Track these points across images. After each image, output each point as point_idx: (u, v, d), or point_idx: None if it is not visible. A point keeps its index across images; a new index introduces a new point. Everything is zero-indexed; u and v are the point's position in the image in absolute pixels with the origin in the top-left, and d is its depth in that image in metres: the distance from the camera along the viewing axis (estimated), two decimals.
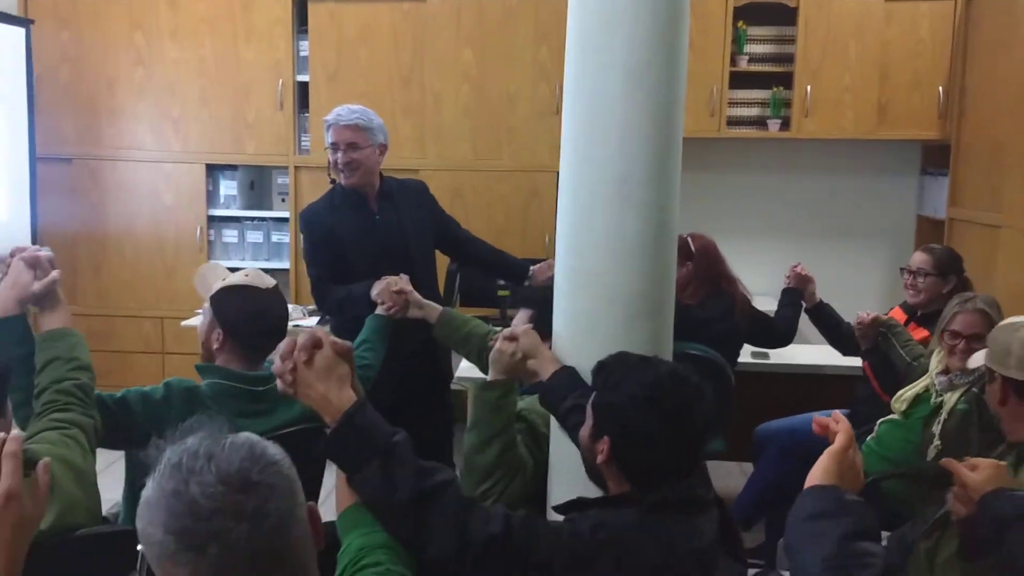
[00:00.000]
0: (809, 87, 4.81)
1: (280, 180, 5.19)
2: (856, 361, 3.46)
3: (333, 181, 3.21)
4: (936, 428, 2.76)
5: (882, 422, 2.95)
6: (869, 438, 2.96)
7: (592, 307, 1.97)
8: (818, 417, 1.48)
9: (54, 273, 2.10)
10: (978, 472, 1.67)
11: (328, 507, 1.56)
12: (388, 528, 1.35)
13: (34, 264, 2.08)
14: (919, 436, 2.81)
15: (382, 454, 1.37)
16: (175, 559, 0.97)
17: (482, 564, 1.33)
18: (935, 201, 5.04)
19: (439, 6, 4.89)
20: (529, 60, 4.88)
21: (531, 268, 3.33)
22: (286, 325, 2.38)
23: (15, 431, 1.33)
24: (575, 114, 1.97)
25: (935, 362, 2.86)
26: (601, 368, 1.64)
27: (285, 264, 5.15)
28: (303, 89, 5.07)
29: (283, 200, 5.19)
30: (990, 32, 4.43)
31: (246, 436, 1.06)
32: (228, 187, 5.21)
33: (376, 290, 2.77)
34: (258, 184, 5.30)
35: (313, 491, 2.46)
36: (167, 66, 5.04)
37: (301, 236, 3.26)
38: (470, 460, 2.07)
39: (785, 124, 4.90)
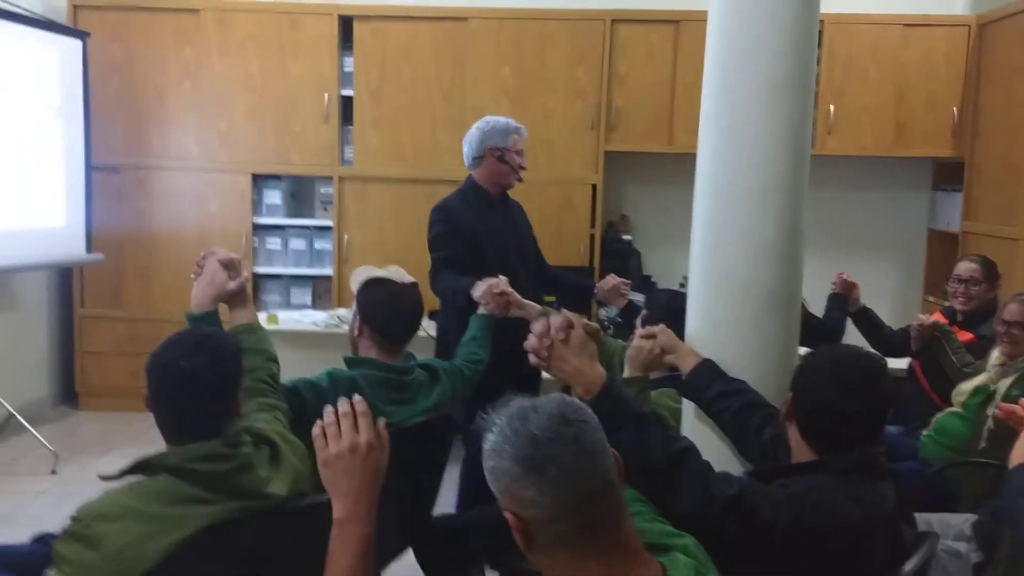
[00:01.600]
0: (832, 107, 5.10)
1: (323, 190, 5.35)
2: (898, 363, 3.71)
3: (519, 180, 3.52)
4: (989, 412, 3.01)
5: (942, 415, 3.19)
6: (928, 430, 3.20)
7: (730, 303, 2.17)
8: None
9: (246, 273, 2.28)
10: None
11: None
12: (639, 486, 1.53)
13: (229, 265, 2.26)
14: (976, 423, 3.06)
15: (634, 420, 1.57)
16: (521, 483, 1.19)
17: (721, 521, 1.52)
18: (948, 215, 5.34)
19: (479, 25, 5.10)
20: (565, 78, 5.11)
21: (597, 286, 3.55)
22: (420, 319, 2.55)
23: (356, 397, 1.50)
24: (717, 125, 2.18)
25: (994, 358, 3.12)
26: (812, 353, 1.85)
27: (328, 271, 5.31)
28: (346, 103, 5.24)
29: (325, 209, 5.35)
30: (1004, 56, 4.74)
31: (554, 394, 1.28)
32: (271, 196, 5.36)
33: (479, 291, 2.95)
34: (300, 194, 5.45)
35: (442, 463, 2.65)
36: (215, 80, 5.19)
37: (430, 227, 3.47)
38: None
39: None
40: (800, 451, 1.75)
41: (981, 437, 3.00)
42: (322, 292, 5.41)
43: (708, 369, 2.14)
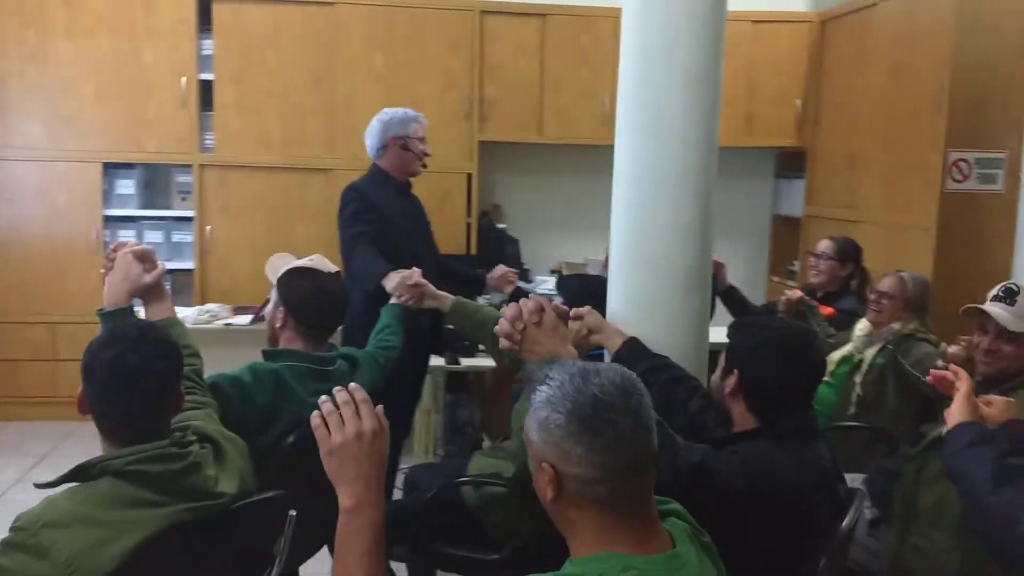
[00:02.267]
0: None
1: (181, 179, 5.11)
2: None
3: (424, 166, 3.57)
4: (858, 379, 3.29)
5: None
6: None
7: (651, 284, 2.28)
8: (935, 371, 1.88)
9: (162, 266, 2.16)
10: (992, 407, 2.09)
11: None
12: None
13: (143, 257, 2.14)
14: (844, 390, 3.34)
15: None
16: (575, 439, 1.25)
17: (688, 488, 1.61)
18: (791, 202, 5.75)
19: (347, 12, 5.02)
20: (438, 68, 5.11)
21: (487, 277, 3.62)
22: (345, 308, 2.52)
23: (352, 384, 1.47)
24: (636, 118, 2.28)
25: (859, 329, 3.40)
26: (737, 323, 1.97)
27: (189, 264, 5.09)
28: (205, 88, 5.03)
29: (184, 199, 5.12)
30: (843, 51, 5.15)
31: (615, 364, 1.33)
32: (124, 186, 5.08)
33: (392, 283, 2.94)
34: (155, 183, 5.19)
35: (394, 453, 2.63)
36: (61, 64, 4.85)
37: (344, 207, 3.42)
38: None
39: None
40: (744, 421, 1.87)
41: (850, 403, 3.27)
42: (181, 287, 5.16)
43: (634, 346, 2.24)
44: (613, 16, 5.15)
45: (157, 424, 1.70)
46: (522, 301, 1.75)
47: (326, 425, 1.43)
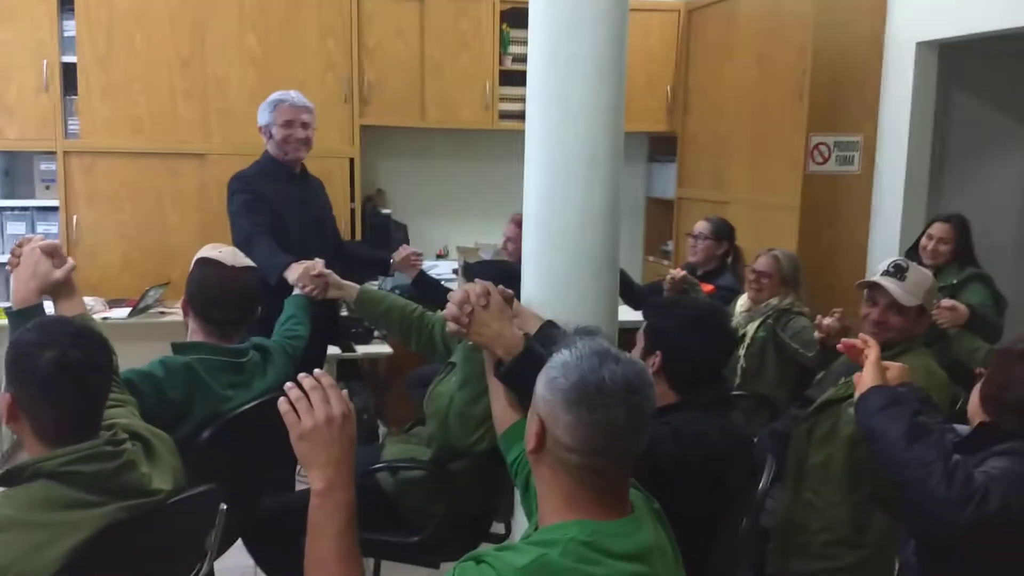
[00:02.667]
0: None
1: (44, 166, 4.84)
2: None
3: (285, 153, 3.41)
4: (741, 352, 3.51)
5: None
6: None
7: (564, 267, 2.35)
8: (845, 340, 2.04)
9: (71, 261, 2.07)
10: (890, 371, 2.28)
11: None
12: None
13: (52, 253, 2.05)
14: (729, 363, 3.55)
15: None
16: (568, 407, 1.33)
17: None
18: (663, 184, 5.98)
19: None
20: (314, 50, 5.03)
21: (392, 259, 3.61)
22: (252, 304, 2.46)
23: (317, 371, 1.47)
24: (545, 107, 2.34)
25: (740, 305, 3.62)
26: (650, 304, 2.07)
27: None
28: (68, 70, 4.77)
29: (48, 188, 4.85)
30: (709, 39, 5.39)
31: (637, 360, 1.42)
32: None
33: (294, 275, 2.91)
34: (15, 171, 4.89)
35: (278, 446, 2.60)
36: None
37: (232, 198, 3.31)
38: (464, 412, 2.36)
39: None
40: (665, 397, 1.98)
41: (735, 374, 3.49)
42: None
43: (550, 328, 2.30)
44: (490, 1, 5.25)
45: (91, 423, 1.65)
46: (468, 285, 1.80)
47: (295, 411, 1.43)
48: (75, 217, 4.80)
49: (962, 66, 4.67)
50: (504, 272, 2.58)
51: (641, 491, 1.50)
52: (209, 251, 2.41)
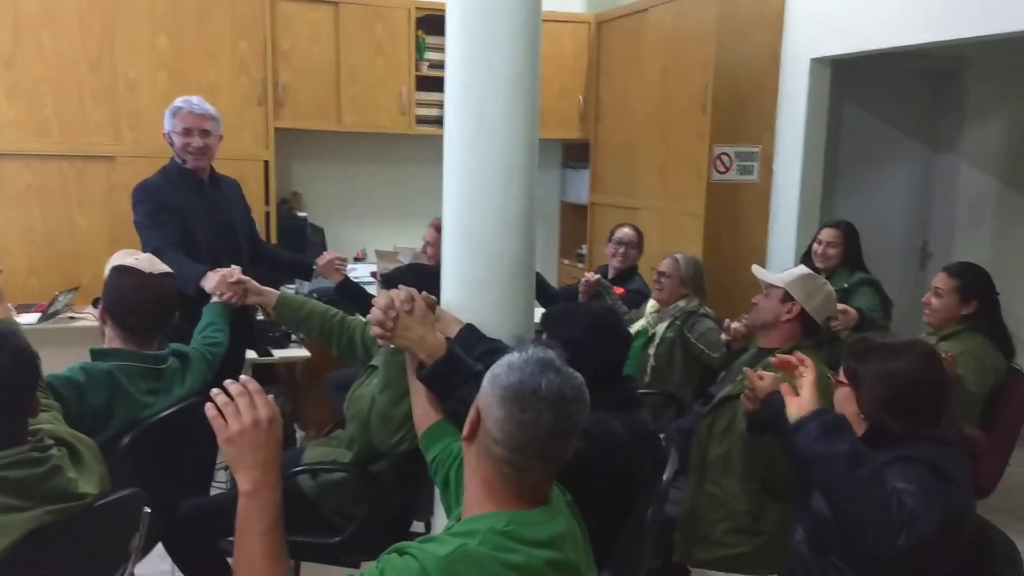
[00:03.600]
0: None
1: None
2: None
3: (184, 161, 3.37)
4: (651, 351, 3.67)
5: None
6: None
7: (482, 271, 2.44)
8: (780, 355, 2.12)
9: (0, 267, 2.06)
10: (764, 381, 2.43)
11: None
12: None
13: None
14: (640, 361, 3.71)
15: (474, 378, 1.77)
16: (502, 401, 1.44)
17: None
18: (577, 189, 6.15)
19: None
20: (228, 52, 5.00)
21: (315, 263, 3.65)
22: (170, 310, 2.48)
23: (243, 376, 1.51)
24: (464, 116, 2.42)
25: (650, 307, 3.79)
26: (548, 316, 2.17)
27: None
28: None
29: None
30: (620, 51, 5.58)
31: (579, 376, 1.51)
32: None
33: (212, 283, 2.93)
34: None
35: (213, 452, 2.63)
36: None
37: (135, 208, 3.27)
38: (386, 414, 2.43)
39: None
40: None
41: (646, 373, 3.65)
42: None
43: (471, 332, 2.39)
44: (405, 7, 5.31)
45: (13, 433, 1.67)
46: (393, 292, 1.88)
47: (222, 415, 1.49)
48: None
49: (853, 81, 4.96)
50: (423, 276, 2.66)
51: (556, 484, 1.61)
52: (125, 258, 2.43)
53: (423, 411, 1.93)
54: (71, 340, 4.04)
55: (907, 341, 2.08)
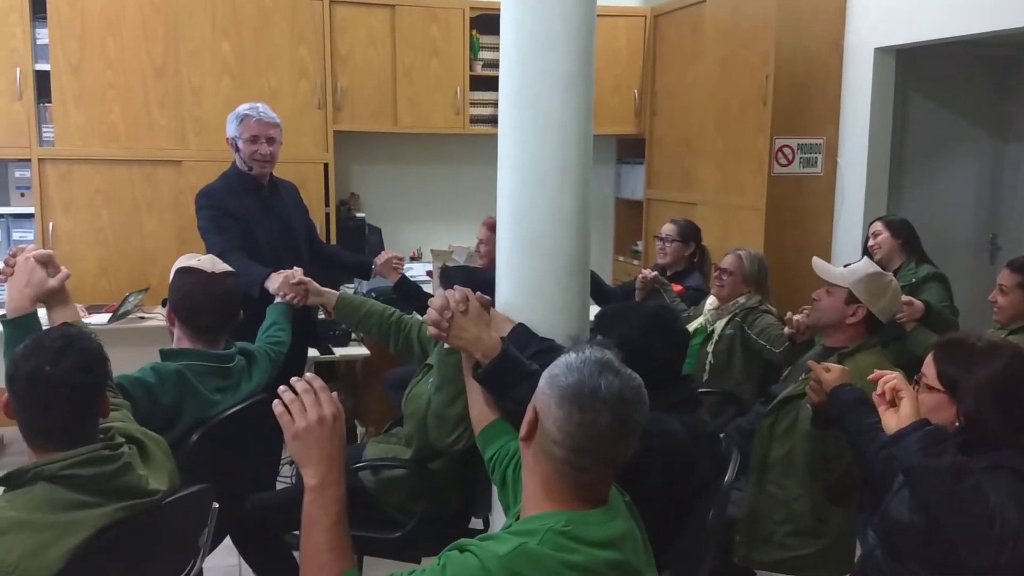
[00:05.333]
0: None
1: (18, 174, 4.86)
2: None
3: (250, 168, 3.43)
4: (710, 348, 3.63)
5: None
6: None
7: (538, 270, 2.44)
8: (878, 371, 2.05)
9: (65, 270, 2.14)
10: (831, 373, 2.40)
11: None
12: None
13: (46, 262, 2.11)
14: (698, 359, 3.67)
15: (529, 377, 1.78)
16: (561, 402, 1.43)
17: None
18: (632, 185, 6.11)
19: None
20: (288, 57, 5.09)
21: (374, 263, 3.68)
22: (233, 308, 2.54)
23: (308, 374, 1.55)
24: (518, 114, 2.43)
25: (709, 303, 3.74)
26: (603, 316, 2.16)
27: None
28: (42, 78, 4.79)
29: (22, 195, 4.87)
30: (677, 44, 5.52)
31: (636, 375, 1.50)
32: None
33: (275, 284, 2.99)
34: None
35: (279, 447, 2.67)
36: None
37: (198, 213, 3.35)
38: (441, 414, 2.45)
39: None
40: None
41: (704, 371, 3.61)
42: None
43: (522, 331, 2.39)
44: (460, 8, 5.34)
45: (82, 432, 1.72)
46: (448, 292, 1.90)
47: (288, 412, 1.52)
48: (51, 224, 4.82)
49: (919, 70, 4.84)
50: (480, 279, 2.67)
51: (615, 486, 1.61)
52: (188, 260, 2.49)
53: (480, 410, 1.95)
54: (141, 340, 4.15)
55: (995, 340, 2.02)
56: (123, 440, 1.79)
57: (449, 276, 2.88)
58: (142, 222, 4.98)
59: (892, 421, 1.87)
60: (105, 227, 4.92)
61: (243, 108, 3.46)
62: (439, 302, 1.88)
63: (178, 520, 1.90)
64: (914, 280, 3.86)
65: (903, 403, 1.87)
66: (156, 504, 1.79)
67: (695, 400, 2.10)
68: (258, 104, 3.51)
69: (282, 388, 1.55)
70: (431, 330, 1.91)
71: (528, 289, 2.47)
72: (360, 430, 4.64)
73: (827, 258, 4.76)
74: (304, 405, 1.53)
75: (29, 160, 4.78)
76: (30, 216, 4.83)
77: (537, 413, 1.46)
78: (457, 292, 1.89)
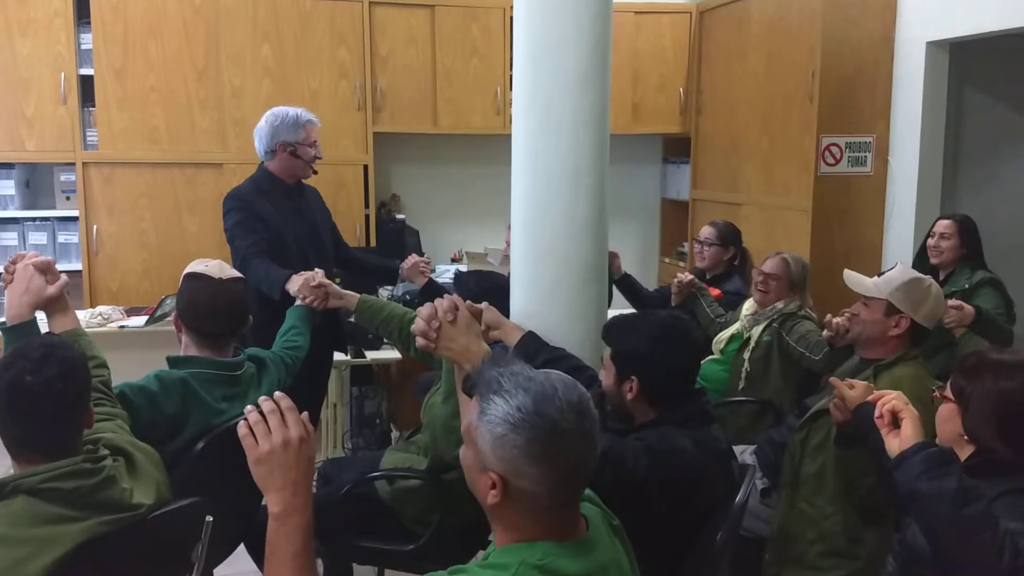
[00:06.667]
0: None
1: (64, 177, 4.94)
2: None
3: (314, 172, 3.50)
4: (746, 355, 3.49)
5: (704, 363, 3.63)
6: None
7: (551, 276, 2.38)
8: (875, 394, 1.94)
9: (64, 277, 2.13)
10: (854, 390, 2.26)
11: None
12: None
13: (45, 269, 2.10)
14: (733, 367, 3.53)
15: None
16: (531, 461, 1.31)
17: (594, 472, 1.71)
18: (678, 185, 5.97)
19: (231, 3, 4.93)
20: (328, 59, 5.08)
21: (401, 267, 3.63)
22: (241, 315, 2.50)
23: (277, 393, 1.50)
24: (530, 116, 2.36)
25: (746, 308, 3.60)
26: (611, 327, 2.06)
27: (76, 265, 4.93)
28: (86, 83, 4.87)
29: (68, 198, 4.95)
30: (721, 41, 5.37)
31: (566, 377, 1.40)
32: (3, 187, 4.87)
33: (295, 286, 2.96)
34: (36, 183, 5.01)
35: None
36: None
37: (226, 216, 3.37)
38: (449, 425, 2.39)
39: None
40: (645, 415, 1.99)
41: (740, 379, 3.47)
42: (69, 288, 4.95)
43: (533, 340, 2.33)
44: (501, 7, 5.27)
45: (64, 443, 1.70)
46: (437, 301, 1.83)
47: (253, 434, 1.46)
48: (95, 227, 4.90)
49: (973, 64, 4.61)
50: (495, 284, 2.60)
51: (601, 508, 1.52)
52: (196, 266, 2.47)
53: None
54: (176, 342, 4.17)
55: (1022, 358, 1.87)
56: (107, 453, 1.76)
57: (462, 280, 2.82)
58: (184, 225, 5.02)
59: (894, 444, 1.74)
60: (148, 229, 4.98)
61: (294, 112, 3.40)
62: (427, 311, 1.81)
63: (166, 534, 1.86)
64: (967, 285, 3.66)
65: (904, 424, 1.74)
66: (140, 518, 1.76)
67: (706, 415, 1.99)
68: (299, 108, 3.48)
69: (249, 408, 1.49)
70: (419, 340, 1.84)
71: (541, 295, 2.41)
72: (394, 434, 4.60)
73: (877, 259, 4.59)
74: (269, 427, 1.46)
75: (74, 164, 4.85)
76: (75, 219, 4.91)
77: (504, 478, 1.33)
78: (445, 301, 1.81)
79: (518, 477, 1.32)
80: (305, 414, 1.51)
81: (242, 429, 1.47)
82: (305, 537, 1.43)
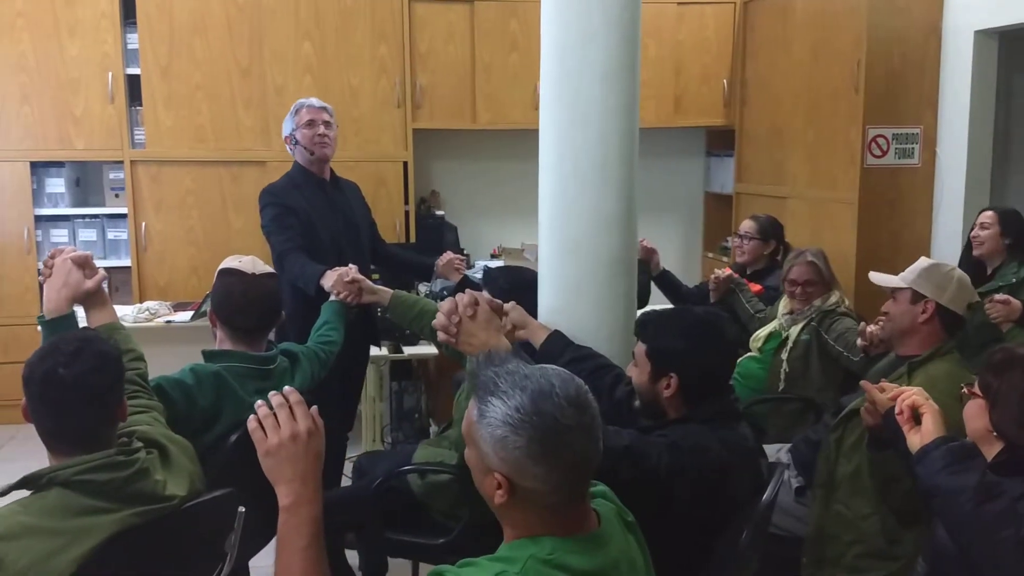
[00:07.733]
0: None
1: (112, 175, 5.06)
2: None
3: (312, 153, 3.44)
4: (784, 355, 3.43)
5: (742, 360, 3.58)
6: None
7: (580, 271, 2.36)
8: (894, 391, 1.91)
9: (102, 271, 2.18)
10: (885, 393, 2.22)
11: None
12: None
13: (83, 263, 2.15)
14: (772, 366, 3.48)
15: None
16: (534, 460, 1.31)
17: (614, 468, 1.70)
18: (722, 179, 5.89)
19: (274, 1, 4.98)
20: (368, 56, 5.12)
21: (436, 263, 3.64)
22: (274, 309, 2.53)
23: (286, 387, 1.52)
24: (558, 109, 2.34)
25: (782, 306, 3.54)
26: (645, 323, 2.04)
27: (125, 261, 5.05)
28: (132, 82, 4.97)
29: (117, 196, 5.07)
30: (766, 31, 5.28)
31: (562, 371, 1.39)
32: (54, 185, 5.01)
33: (329, 282, 2.99)
34: (86, 181, 5.14)
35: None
36: None
37: (262, 212, 3.40)
38: None
39: None
40: (676, 411, 1.97)
41: (779, 378, 3.41)
42: (119, 285, 5.11)
43: (558, 339, 2.31)
44: (539, 1, 5.24)
45: (97, 435, 1.73)
46: (457, 296, 1.84)
47: (262, 428, 1.48)
48: (143, 224, 5.00)
49: None
50: (523, 279, 2.59)
51: (616, 503, 1.50)
52: (230, 262, 2.51)
53: None
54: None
55: None
56: (140, 445, 1.79)
57: (492, 276, 2.82)
58: (230, 221, 5.11)
59: (915, 439, 1.71)
60: (195, 226, 5.07)
61: (296, 103, 3.49)
62: (447, 306, 1.82)
63: (199, 525, 1.89)
64: (1015, 280, 3.55)
65: (924, 419, 1.71)
66: (173, 509, 1.79)
67: (734, 413, 1.96)
68: (306, 99, 3.53)
69: (259, 403, 1.51)
70: (440, 335, 1.84)
71: (569, 291, 2.40)
72: (433, 428, 4.63)
73: (926, 252, 4.47)
74: (278, 421, 1.48)
75: (122, 162, 4.97)
76: (124, 216, 5.02)
77: (509, 479, 1.32)
78: (466, 296, 1.82)
79: (523, 477, 1.32)
80: (314, 408, 1.52)
81: (252, 423, 1.49)
82: (315, 529, 1.45)
